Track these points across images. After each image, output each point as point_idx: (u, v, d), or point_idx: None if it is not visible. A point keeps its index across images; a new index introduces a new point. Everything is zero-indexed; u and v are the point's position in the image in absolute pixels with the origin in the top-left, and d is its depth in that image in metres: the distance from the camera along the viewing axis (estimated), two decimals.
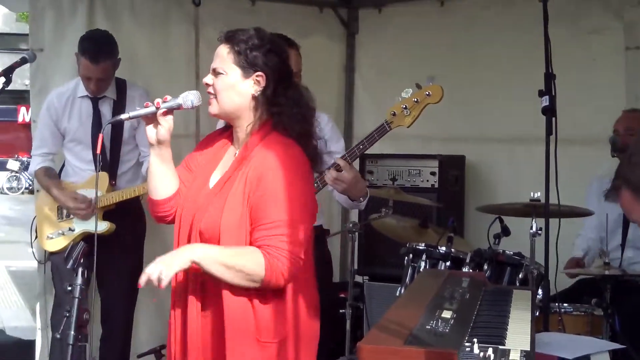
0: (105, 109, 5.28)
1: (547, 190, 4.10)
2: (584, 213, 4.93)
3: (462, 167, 6.61)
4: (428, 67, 6.52)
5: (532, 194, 4.54)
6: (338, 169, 4.12)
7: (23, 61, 4.66)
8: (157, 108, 3.25)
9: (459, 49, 6.64)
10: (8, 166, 29.48)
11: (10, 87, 4.43)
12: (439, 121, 5.90)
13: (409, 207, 5.82)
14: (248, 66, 3.26)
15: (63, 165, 5.47)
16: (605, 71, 5.86)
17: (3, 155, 31.22)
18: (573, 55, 5.75)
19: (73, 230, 5.25)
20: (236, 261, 3.11)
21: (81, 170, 5.32)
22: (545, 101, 4.11)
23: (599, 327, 4.49)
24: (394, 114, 4.15)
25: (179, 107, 3.30)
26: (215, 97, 3.28)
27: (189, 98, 3.31)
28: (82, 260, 3.17)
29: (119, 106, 5.26)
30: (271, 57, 3.31)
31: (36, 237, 5.44)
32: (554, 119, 4.12)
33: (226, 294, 3.16)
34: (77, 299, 3.13)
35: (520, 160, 6.29)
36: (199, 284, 3.24)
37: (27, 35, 5.97)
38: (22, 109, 32.25)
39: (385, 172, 6.53)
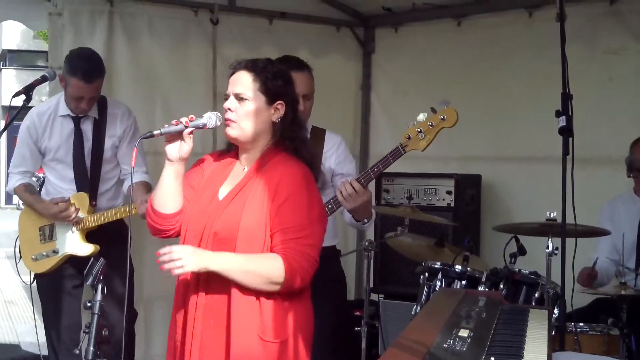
0: (87, 128, 5.19)
1: (564, 210, 4.09)
2: (600, 232, 4.91)
3: (479, 186, 6.60)
4: (444, 87, 6.55)
5: (548, 213, 4.53)
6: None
7: (43, 79, 4.70)
8: (186, 126, 3.35)
9: (475, 68, 6.64)
10: None
11: (29, 104, 4.47)
12: (455, 140, 5.90)
13: (425, 225, 5.82)
14: (272, 94, 3.44)
15: (43, 183, 5.39)
16: (622, 92, 5.86)
17: None
18: (590, 76, 5.75)
19: (57, 253, 5.20)
20: (256, 267, 3.26)
21: (62, 189, 5.23)
22: (562, 121, 4.11)
23: (615, 347, 4.47)
24: (409, 137, 4.18)
25: (203, 126, 3.42)
26: (236, 122, 3.40)
27: (213, 118, 3.44)
28: (101, 277, 3.19)
29: (101, 124, 5.20)
30: (289, 86, 3.52)
31: (20, 257, 5.35)
32: (570, 139, 4.12)
33: (235, 292, 3.29)
34: (96, 315, 3.15)
35: (536, 179, 6.28)
36: (205, 281, 3.35)
37: (44, 52, 6.06)
38: None
39: (401, 190, 6.53)
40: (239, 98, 3.41)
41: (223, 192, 3.46)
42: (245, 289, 3.28)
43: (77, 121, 5.17)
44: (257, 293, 3.29)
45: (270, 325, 3.30)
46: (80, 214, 5.13)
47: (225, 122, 3.43)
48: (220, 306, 3.32)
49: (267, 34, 6.75)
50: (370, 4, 7.14)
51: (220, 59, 6.48)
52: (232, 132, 3.42)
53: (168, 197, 3.46)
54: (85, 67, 4.97)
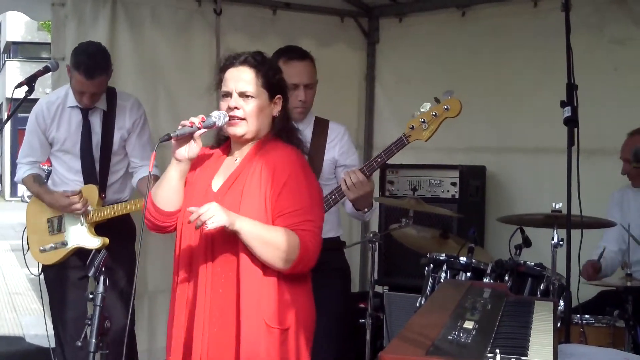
0: (95, 120, 5.17)
1: (569, 201, 4.07)
2: (606, 224, 4.89)
3: (483, 177, 6.59)
4: (449, 76, 6.52)
5: (553, 204, 4.52)
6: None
7: (46, 70, 4.68)
8: (199, 128, 3.37)
9: (480, 58, 6.62)
10: None
11: (32, 96, 4.45)
12: (459, 131, 5.89)
13: (429, 217, 5.81)
14: (273, 89, 3.47)
15: (49, 174, 5.38)
16: (628, 81, 5.83)
17: None
18: (596, 65, 5.72)
19: (66, 245, 5.17)
20: (275, 238, 3.27)
21: (69, 180, 5.21)
22: (567, 112, 4.09)
23: (621, 339, 4.46)
24: (412, 128, 4.17)
25: (213, 125, 3.42)
26: (244, 119, 3.42)
27: (221, 117, 3.43)
28: (103, 269, 3.18)
29: (109, 116, 5.18)
30: (283, 80, 3.57)
31: (28, 249, 5.33)
32: (575, 129, 4.10)
33: (243, 276, 3.30)
34: (98, 307, 3.15)
35: (541, 170, 6.26)
36: (212, 256, 3.37)
37: (48, 44, 6.04)
38: None
39: (405, 182, 6.51)
40: (244, 96, 3.42)
41: (217, 183, 3.47)
42: (253, 274, 3.29)
43: (85, 113, 5.15)
44: (265, 280, 3.30)
45: (274, 312, 3.31)
46: (89, 207, 5.11)
47: (231, 121, 3.42)
48: (230, 291, 3.32)
49: (271, 24, 6.74)
50: None
51: (224, 50, 6.39)
52: (239, 129, 3.43)
53: (172, 195, 3.46)
54: (88, 63, 4.92)
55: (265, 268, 3.30)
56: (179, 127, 3.37)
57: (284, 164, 3.39)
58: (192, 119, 3.36)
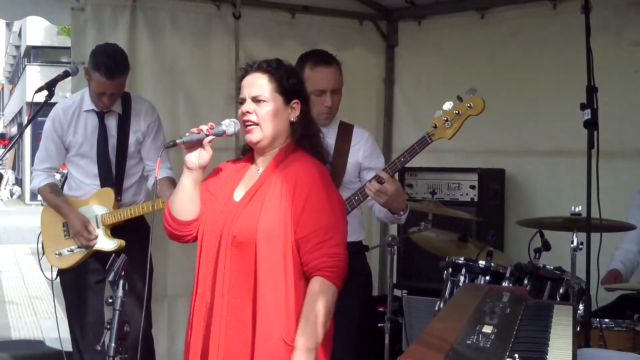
0: (111, 123, 5.20)
1: (589, 205, 4.05)
2: (626, 227, 4.87)
3: (502, 180, 6.56)
4: (468, 79, 6.48)
5: (573, 208, 4.50)
6: (380, 180, 4.09)
7: (66, 74, 4.70)
8: (207, 135, 3.38)
9: (499, 61, 6.61)
10: None
11: (52, 100, 4.47)
12: (478, 134, 5.88)
13: (448, 220, 5.80)
14: (288, 94, 3.46)
15: (65, 178, 5.41)
16: None
17: None
18: (616, 68, 5.69)
19: (82, 248, 5.20)
20: (317, 313, 3.25)
21: (85, 184, 5.24)
22: (587, 114, 4.07)
23: None
24: (435, 127, 4.12)
25: (223, 133, 3.45)
26: (258, 125, 3.42)
27: (232, 125, 3.46)
28: (122, 273, 3.18)
29: (125, 120, 5.21)
30: (303, 84, 3.58)
31: (44, 253, 5.35)
32: (595, 132, 4.08)
33: (261, 293, 3.26)
34: (117, 311, 3.14)
35: (560, 173, 6.24)
36: (228, 284, 3.33)
37: (67, 48, 6.08)
38: None
39: (424, 185, 6.50)
40: (257, 100, 3.42)
41: (239, 193, 3.46)
42: (270, 291, 3.27)
43: (101, 116, 5.18)
44: (283, 296, 3.27)
45: (292, 327, 3.27)
46: (105, 209, 5.14)
47: (246, 128, 3.44)
48: (247, 308, 3.30)
49: (289, 28, 6.74)
50: None
51: (243, 54, 6.48)
52: (254, 136, 3.43)
53: (186, 204, 3.47)
54: (108, 64, 4.96)
55: (285, 283, 3.28)
56: (187, 134, 3.38)
57: (305, 179, 3.35)
58: (201, 126, 3.38)
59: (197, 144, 3.40)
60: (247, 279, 3.29)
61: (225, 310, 3.32)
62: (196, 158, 3.42)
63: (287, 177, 3.36)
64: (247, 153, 3.60)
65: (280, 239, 3.29)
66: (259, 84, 3.43)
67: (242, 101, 3.46)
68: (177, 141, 3.35)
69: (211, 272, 3.38)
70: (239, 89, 3.52)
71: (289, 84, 3.46)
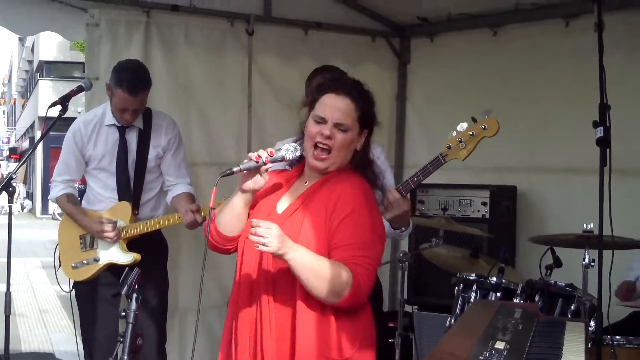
0: (132, 138, 5.22)
1: (601, 222, 4.04)
2: (638, 245, 4.86)
3: (514, 197, 6.57)
4: (480, 96, 6.52)
5: (585, 225, 4.50)
6: (401, 193, 4.11)
7: (79, 89, 4.74)
8: (265, 163, 3.29)
9: (511, 78, 6.61)
10: None
11: (64, 115, 4.50)
12: (490, 151, 5.85)
13: (459, 237, 5.81)
14: (364, 123, 3.40)
15: (84, 192, 5.43)
16: None
17: None
18: (629, 86, 5.69)
19: (98, 261, 5.21)
20: (327, 272, 3.14)
21: (104, 197, 5.27)
22: (599, 132, 4.06)
23: None
24: (449, 147, 4.11)
25: (282, 159, 3.39)
26: (330, 152, 3.34)
27: (292, 150, 3.39)
28: (136, 287, 3.20)
29: (145, 135, 5.23)
30: (375, 114, 3.46)
31: (60, 266, 5.36)
32: (608, 150, 4.08)
33: (300, 306, 3.21)
34: (130, 325, 3.16)
35: (572, 190, 6.23)
36: (272, 291, 3.28)
37: (80, 63, 6.14)
38: None
39: (436, 201, 6.51)
40: (339, 126, 3.32)
41: (282, 206, 3.41)
42: (311, 305, 3.21)
43: (122, 131, 5.21)
44: (322, 308, 3.21)
45: (335, 344, 3.23)
46: (122, 223, 5.16)
47: (315, 152, 3.34)
48: (286, 321, 3.25)
49: (302, 44, 6.77)
50: (406, 14, 7.14)
51: (256, 70, 6.52)
52: (324, 165, 3.35)
53: (235, 222, 3.42)
54: (131, 79, 4.99)
55: (323, 305, 3.21)
56: (245, 161, 3.30)
57: (349, 196, 3.28)
58: (260, 153, 3.28)
59: (255, 171, 3.31)
60: (289, 293, 3.24)
61: (274, 324, 3.26)
62: (252, 183, 3.33)
63: (333, 193, 3.30)
64: (296, 164, 3.53)
65: (320, 254, 3.20)
66: (344, 110, 3.33)
67: (321, 121, 3.34)
68: (235, 169, 3.26)
69: (252, 284, 3.33)
70: (314, 100, 3.40)
71: (369, 113, 3.39)
